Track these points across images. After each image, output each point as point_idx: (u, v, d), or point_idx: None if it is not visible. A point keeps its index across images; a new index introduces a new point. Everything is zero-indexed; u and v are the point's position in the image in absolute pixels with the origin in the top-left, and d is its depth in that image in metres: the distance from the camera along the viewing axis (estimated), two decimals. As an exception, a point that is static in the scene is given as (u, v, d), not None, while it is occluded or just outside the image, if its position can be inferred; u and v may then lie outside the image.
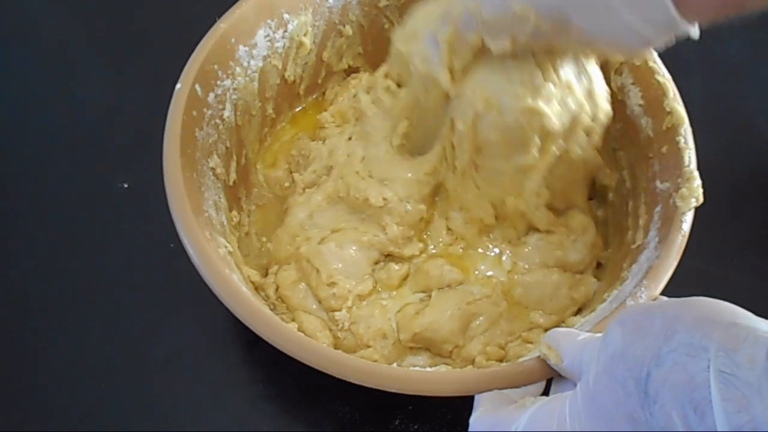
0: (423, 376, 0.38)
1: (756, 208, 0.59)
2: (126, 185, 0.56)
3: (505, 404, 0.36)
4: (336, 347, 0.46)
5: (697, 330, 0.27)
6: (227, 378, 0.50)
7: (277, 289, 0.49)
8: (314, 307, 0.48)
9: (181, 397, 0.49)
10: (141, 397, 0.49)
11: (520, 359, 0.40)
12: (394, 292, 0.49)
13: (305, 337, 0.39)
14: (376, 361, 0.45)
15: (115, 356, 0.50)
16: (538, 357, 0.38)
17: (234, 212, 0.50)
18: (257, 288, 0.48)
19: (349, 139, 0.54)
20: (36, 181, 0.59)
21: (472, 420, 0.36)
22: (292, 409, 0.48)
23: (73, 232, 0.55)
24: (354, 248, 0.49)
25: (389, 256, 0.50)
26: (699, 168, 0.44)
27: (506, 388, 0.37)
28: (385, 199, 0.49)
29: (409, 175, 0.50)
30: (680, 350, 0.27)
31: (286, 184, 0.55)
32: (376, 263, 0.50)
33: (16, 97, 0.64)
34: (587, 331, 0.38)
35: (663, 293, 0.40)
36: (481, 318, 0.47)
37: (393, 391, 0.36)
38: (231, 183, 0.50)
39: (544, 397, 0.36)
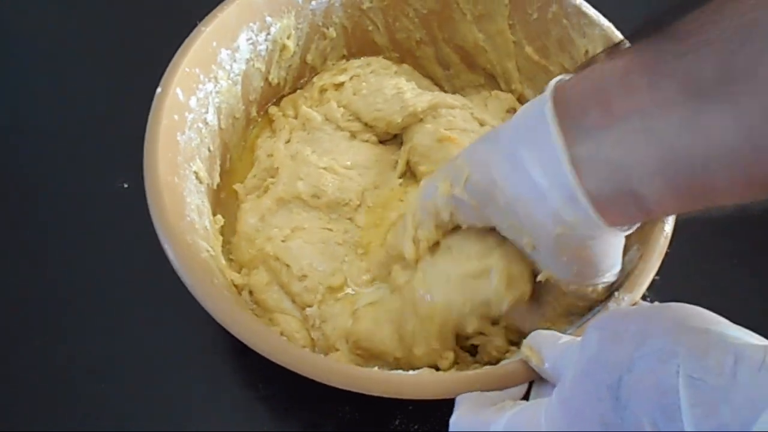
0: (405, 379, 0.38)
1: (756, 208, 0.58)
2: (126, 185, 0.57)
3: (485, 406, 0.36)
4: (312, 348, 0.46)
5: (668, 335, 0.27)
6: (226, 378, 0.50)
7: (251, 293, 0.48)
8: (289, 307, 0.47)
9: (181, 397, 0.49)
10: (140, 397, 0.49)
11: (503, 362, 0.40)
12: (367, 289, 0.48)
13: (288, 342, 0.39)
14: None
15: (115, 356, 0.50)
16: (521, 359, 0.38)
17: (219, 216, 0.50)
18: (241, 291, 0.48)
19: (287, 141, 0.54)
20: (36, 181, 0.58)
21: (452, 420, 0.36)
22: (292, 409, 0.48)
23: (72, 232, 0.55)
24: (322, 244, 0.49)
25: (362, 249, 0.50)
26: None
27: (490, 390, 0.37)
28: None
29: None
30: (651, 356, 0.27)
31: None
32: (346, 257, 0.49)
33: (15, 97, 0.64)
34: (570, 334, 0.38)
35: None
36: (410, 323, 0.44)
37: (375, 394, 0.36)
38: (215, 187, 0.50)
39: (524, 402, 0.36)
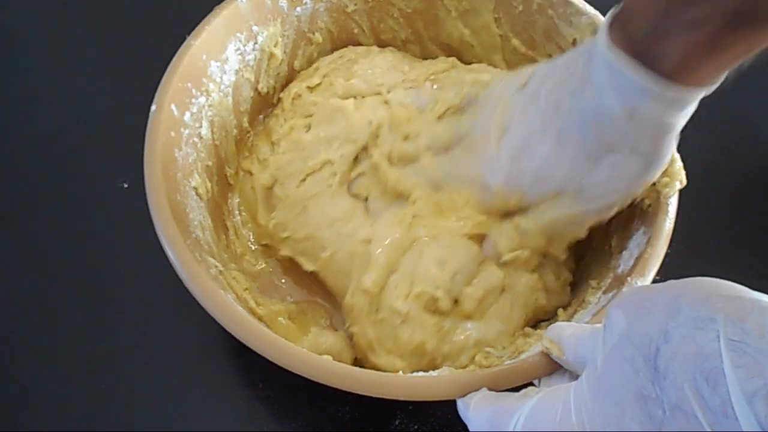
0: (425, 381, 0.38)
1: (756, 208, 0.59)
2: (126, 185, 0.57)
3: (501, 396, 0.36)
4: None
5: (702, 304, 0.27)
6: (226, 379, 0.50)
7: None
8: None
9: (181, 397, 0.49)
10: (141, 397, 0.49)
11: (522, 355, 0.40)
12: None
13: (306, 351, 0.38)
14: None
15: (115, 356, 0.50)
16: (541, 352, 0.38)
17: (222, 234, 0.49)
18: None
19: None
20: (36, 181, 0.58)
21: (472, 407, 0.36)
22: (292, 409, 0.49)
23: (73, 232, 0.55)
24: None
25: None
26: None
27: (512, 386, 0.37)
28: None
29: None
30: (688, 324, 0.27)
31: None
32: None
33: (15, 97, 0.63)
34: (587, 323, 0.38)
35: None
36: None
37: (398, 399, 0.36)
38: (214, 203, 0.50)
39: (547, 388, 0.35)
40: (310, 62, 0.59)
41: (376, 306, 0.46)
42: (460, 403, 0.36)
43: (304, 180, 0.51)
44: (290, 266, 0.52)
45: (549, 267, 0.49)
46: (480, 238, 0.48)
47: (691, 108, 0.37)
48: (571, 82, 0.40)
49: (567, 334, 0.36)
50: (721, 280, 0.29)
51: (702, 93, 0.37)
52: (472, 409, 0.35)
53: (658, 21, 0.34)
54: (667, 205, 0.43)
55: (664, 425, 0.26)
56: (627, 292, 0.32)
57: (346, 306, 0.47)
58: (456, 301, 0.46)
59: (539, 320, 0.50)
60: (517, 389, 0.36)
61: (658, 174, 0.41)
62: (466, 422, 0.36)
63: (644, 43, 0.35)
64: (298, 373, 0.36)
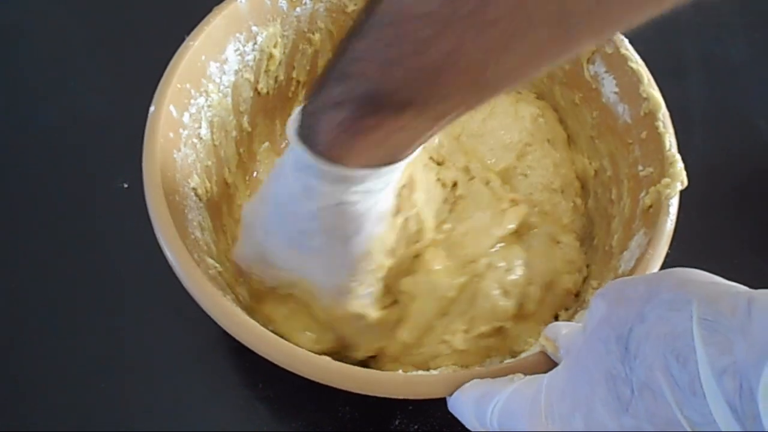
0: (424, 379, 0.38)
1: (756, 208, 0.59)
2: (126, 185, 0.57)
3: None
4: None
5: (679, 288, 0.27)
6: (226, 379, 0.50)
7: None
8: None
9: (181, 397, 0.49)
10: (140, 397, 0.49)
11: (522, 354, 0.40)
12: None
13: (306, 351, 0.38)
14: None
15: (115, 356, 0.50)
16: (540, 351, 0.38)
17: (221, 235, 0.49)
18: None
19: None
20: (36, 181, 0.58)
21: (466, 390, 0.36)
22: (292, 409, 0.49)
23: (73, 232, 0.55)
24: None
25: None
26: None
27: None
28: None
29: None
30: (663, 306, 0.27)
31: None
32: None
33: (16, 97, 0.64)
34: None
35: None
36: None
37: (397, 397, 0.36)
38: (213, 203, 0.50)
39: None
40: (309, 63, 0.59)
41: (410, 350, 0.47)
42: (449, 400, 0.37)
43: None
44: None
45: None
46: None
47: (372, 185, 0.36)
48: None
49: (563, 333, 0.36)
50: (698, 270, 0.29)
51: (374, 171, 0.35)
52: (465, 392, 0.36)
53: (314, 98, 0.33)
54: (669, 206, 0.43)
55: (631, 405, 0.26)
56: (609, 283, 0.32)
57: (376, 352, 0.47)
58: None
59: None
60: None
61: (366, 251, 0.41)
62: (454, 406, 0.36)
63: (307, 121, 0.35)
64: (298, 373, 0.36)
